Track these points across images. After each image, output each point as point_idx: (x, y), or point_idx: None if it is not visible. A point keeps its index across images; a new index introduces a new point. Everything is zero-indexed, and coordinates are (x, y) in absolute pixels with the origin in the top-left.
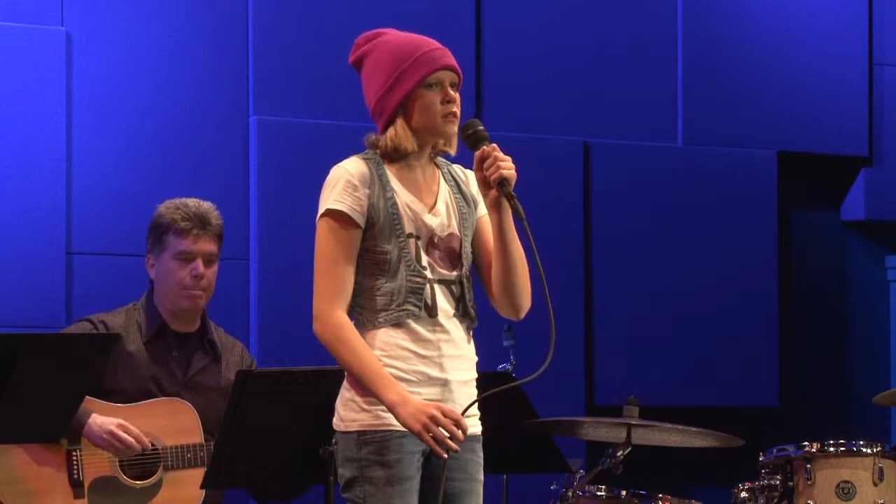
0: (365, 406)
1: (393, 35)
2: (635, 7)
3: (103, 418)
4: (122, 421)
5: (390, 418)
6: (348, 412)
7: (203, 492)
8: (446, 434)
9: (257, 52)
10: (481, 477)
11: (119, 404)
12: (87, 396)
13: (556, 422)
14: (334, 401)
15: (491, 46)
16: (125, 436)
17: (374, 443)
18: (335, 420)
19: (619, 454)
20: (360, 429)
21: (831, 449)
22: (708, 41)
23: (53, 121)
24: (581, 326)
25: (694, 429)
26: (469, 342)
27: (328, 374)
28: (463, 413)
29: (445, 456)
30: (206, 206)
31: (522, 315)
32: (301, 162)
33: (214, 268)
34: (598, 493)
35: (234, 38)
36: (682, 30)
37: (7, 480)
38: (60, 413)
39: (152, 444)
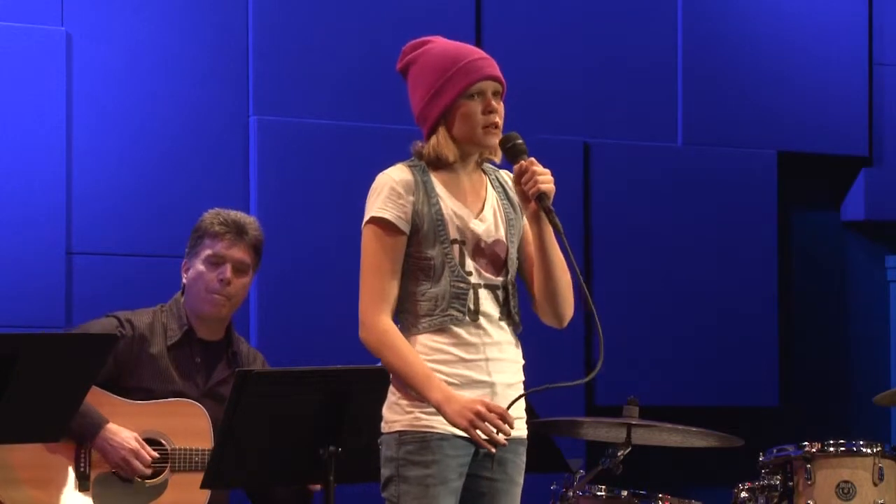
0: (408, 408)
1: (439, 43)
2: (635, 7)
3: (120, 435)
4: (136, 447)
5: (431, 420)
6: (392, 414)
7: (207, 496)
8: (493, 429)
9: (257, 52)
10: (520, 480)
11: (134, 401)
12: (102, 390)
13: (556, 422)
14: (335, 401)
15: (491, 46)
16: (136, 464)
17: (413, 443)
18: (382, 424)
19: (619, 454)
20: (401, 429)
21: (831, 449)
22: (708, 41)
23: (53, 121)
24: (581, 326)
25: (694, 429)
26: (515, 345)
27: (329, 374)
28: (508, 408)
29: (494, 450)
30: (249, 218)
31: (565, 323)
32: (301, 162)
33: (245, 280)
34: (598, 493)
35: (234, 38)
36: (682, 30)
37: (12, 470)
38: (61, 413)
39: (161, 444)
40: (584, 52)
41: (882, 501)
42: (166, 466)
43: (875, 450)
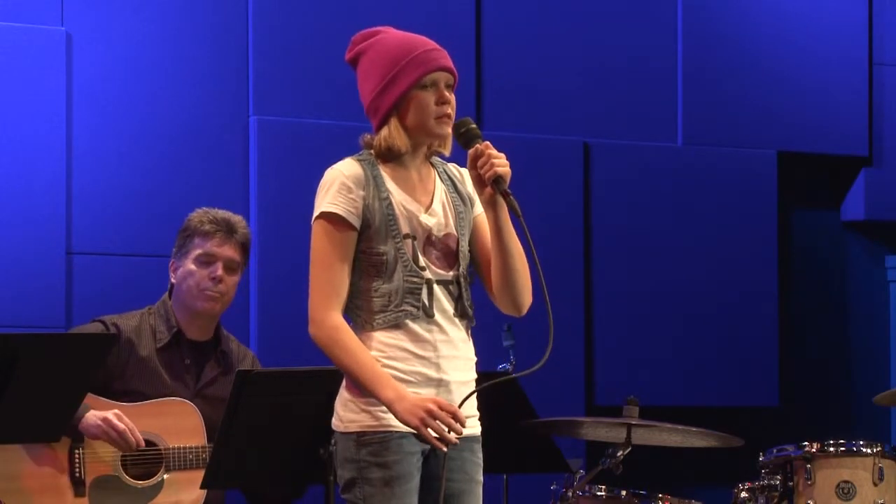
0: (364, 407)
1: (390, 34)
2: (635, 7)
3: (95, 414)
4: (117, 410)
5: (389, 419)
6: (347, 413)
7: (204, 494)
8: (444, 427)
9: (257, 52)
10: (480, 478)
11: (124, 403)
12: (93, 394)
13: (556, 422)
14: (334, 401)
15: (491, 46)
16: (118, 423)
17: (374, 444)
18: (334, 421)
19: (619, 454)
20: (360, 430)
21: (831, 449)
22: (708, 41)
23: (53, 121)
24: (581, 326)
25: (694, 429)
26: (468, 342)
27: (328, 374)
28: (459, 406)
29: (445, 449)
30: (237, 217)
31: (524, 311)
32: (301, 162)
33: (235, 278)
34: (598, 493)
35: (234, 38)
36: (681, 30)
37: (7, 477)
38: (60, 413)
39: (155, 445)
40: (584, 52)
41: (882, 501)
42: (161, 467)
43: (875, 450)
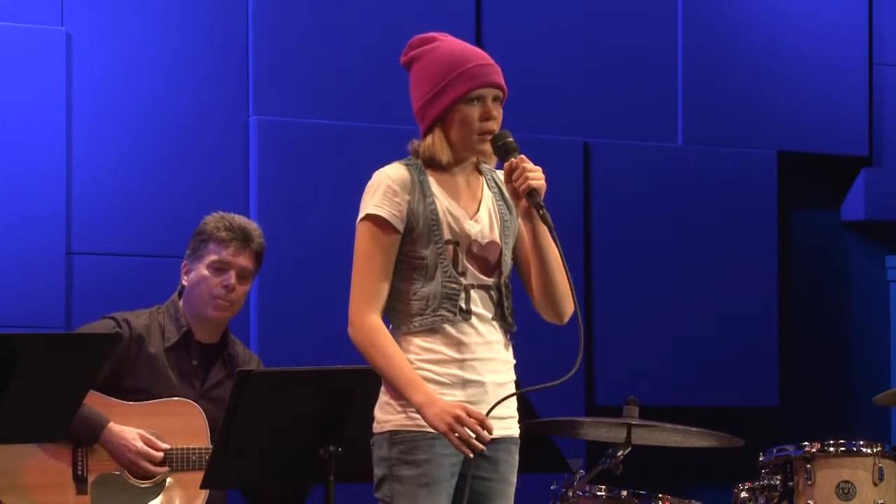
0: (399, 408)
1: (446, 42)
2: (635, 7)
3: (124, 436)
4: (142, 448)
5: (422, 420)
6: (383, 414)
7: (205, 495)
8: (471, 434)
9: (257, 52)
10: (514, 479)
11: (130, 402)
12: (99, 393)
13: (556, 422)
14: (334, 401)
15: (491, 47)
16: (146, 465)
17: (405, 443)
18: (374, 424)
19: (619, 454)
20: (393, 429)
21: (831, 449)
22: (708, 41)
23: (53, 121)
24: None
25: (694, 429)
26: (507, 347)
27: (328, 374)
28: (488, 413)
29: (472, 456)
30: (252, 224)
31: (566, 319)
32: (301, 162)
33: (247, 286)
34: (598, 493)
35: (234, 38)
36: (682, 30)
37: (10, 474)
38: (60, 413)
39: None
40: (584, 52)
41: (882, 501)
42: (164, 467)
43: (875, 450)
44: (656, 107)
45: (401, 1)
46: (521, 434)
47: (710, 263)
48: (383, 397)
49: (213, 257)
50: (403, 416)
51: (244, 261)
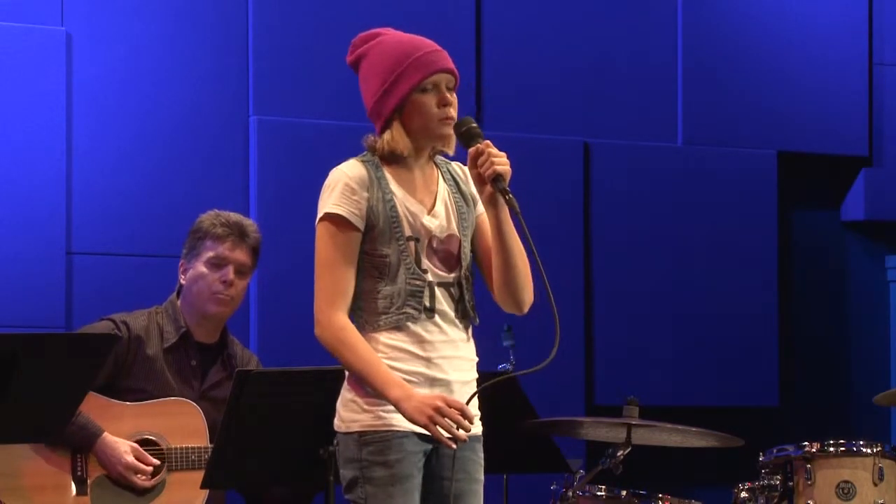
0: (366, 407)
1: (390, 36)
2: (635, 7)
3: (116, 449)
4: (132, 462)
5: (391, 419)
6: (349, 413)
7: (205, 494)
8: (453, 424)
9: (257, 52)
10: (481, 477)
11: (128, 403)
12: (97, 393)
13: (556, 422)
14: (334, 401)
15: (491, 46)
16: (135, 478)
17: (375, 443)
18: (336, 421)
19: (619, 454)
20: (361, 429)
21: (831, 449)
22: (708, 41)
23: (53, 121)
24: (581, 326)
25: (694, 429)
26: (469, 342)
27: (328, 374)
28: (467, 402)
29: (454, 447)
30: (248, 220)
31: (526, 309)
32: (301, 162)
33: (245, 282)
34: (598, 493)
35: (234, 38)
36: (682, 30)
37: (9, 475)
38: (60, 413)
39: (157, 445)
40: (585, 52)
41: (882, 501)
42: (163, 466)
43: (875, 450)
44: (656, 107)
45: (401, 1)
46: (521, 434)
47: (710, 263)
48: (347, 394)
49: (210, 253)
50: (371, 415)
51: (241, 255)
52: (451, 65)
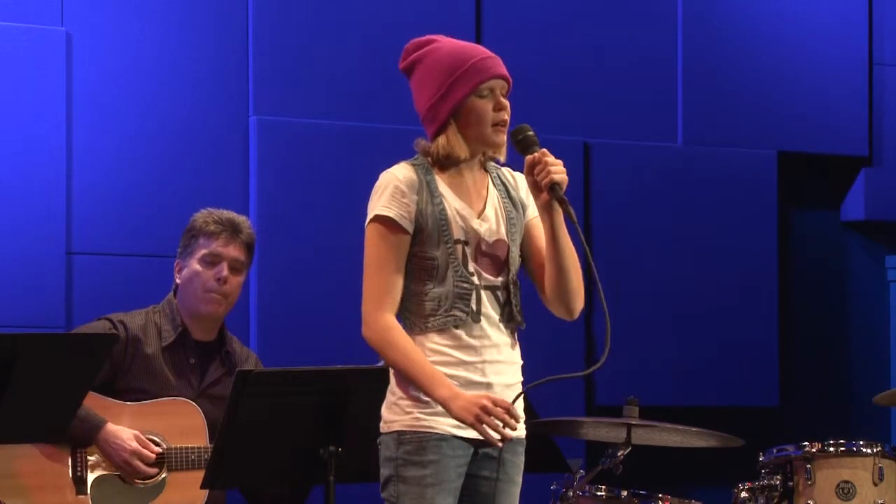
0: (407, 409)
1: (445, 42)
2: (635, 7)
3: (120, 436)
4: (136, 447)
5: (431, 420)
6: (391, 414)
7: (205, 494)
8: (499, 423)
9: (257, 52)
10: (520, 480)
11: (127, 402)
12: (96, 393)
13: (556, 422)
14: (334, 401)
15: (491, 46)
16: (139, 464)
17: (412, 443)
18: (381, 423)
19: (619, 454)
20: (400, 429)
21: (831, 449)
22: (708, 41)
23: (53, 121)
24: (582, 323)
25: (694, 429)
26: (514, 347)
27: (328, 374)
28: (513, 402)
29: (501, 445)
30: (241, 217)
31: (576, 315)
32: (301, 162)
33: (240, 278)
34: (598, 493)
35: (234, 38)
36: (682, 30)
37: (9, 475)
38: (60, 413)
39: (157, 444)
40: (585, 52)
41: (882, 501)
42: (163, 466)
43: (875, 450)
44: (656, 107)
45: (401, 1)
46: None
47: (710, 263)
48: (391, 397)
49: (204, 251)
50: (411, 416)
51: (235, 252)
52: (506, 71)
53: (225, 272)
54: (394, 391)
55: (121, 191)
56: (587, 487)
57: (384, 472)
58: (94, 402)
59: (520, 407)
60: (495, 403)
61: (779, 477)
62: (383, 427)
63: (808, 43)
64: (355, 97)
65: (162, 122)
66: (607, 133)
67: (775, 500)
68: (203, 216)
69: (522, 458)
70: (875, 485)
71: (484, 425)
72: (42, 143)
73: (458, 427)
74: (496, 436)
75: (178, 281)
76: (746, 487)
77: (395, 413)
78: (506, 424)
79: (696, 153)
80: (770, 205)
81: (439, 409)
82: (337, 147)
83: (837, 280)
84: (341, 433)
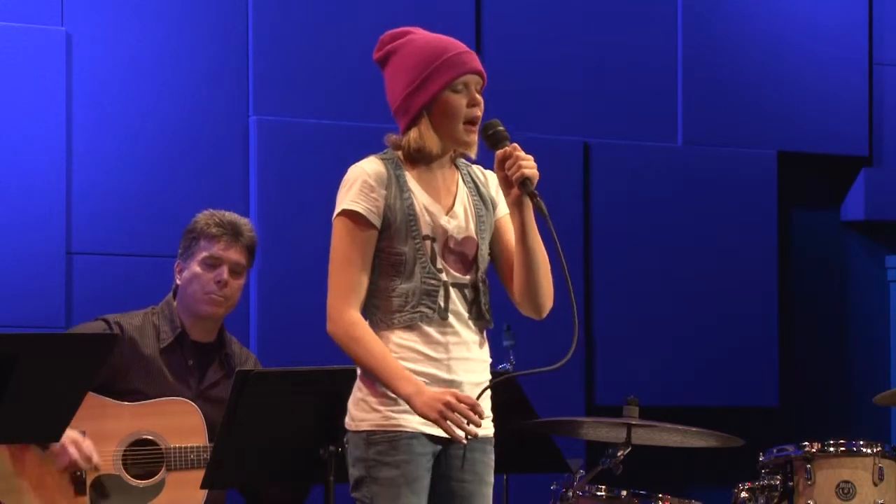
0: (376, 406)
1: (420, 35)
2: (635, 7)
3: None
4: (77, 436)
5: (400, 419)
6: (359, 412)
7: (204, 493)
8: (463, 419)
9: (257, 52)
10: (491, 479)
11: (125, 402)
12: (95, 394)
13: (556, 422)
14: (334, 401)
15: (491, 46)
16: (73, 451)
17: (383, 443)
18: (347, 419)
19: (619, 454)
20: (370, 428)
21: (831, 449)
22: (708, 41)
23: (53, 121)
24: (581, 326)
25: (694, 429)
26: (482, 345)
27: (328, 374)
28: (478, 397)
29: (465, 441)
30: (243, 219)
31: (545, 314)
32: (301, 162)
33: (240, 281)
34: (598, 493)
35: (234, 38)
36: (682, 30)
37: (7, 475)
38: (60, 413)
39: (156, 444)
40: (585, 52)
41: (882, 501)
42: (162, 466)
43: (875, 450)
44: (656, 107)
45: (401, 1)
46: (521, 434)
47: (710, 263)
48: (358, 393)
49: (205, 253)
50: (379, 415)
51: (235, 255)
52: (481, 67)
53: (225, 275)
54: (360, 388)
55: (121, 191)
56: (587, 487)
57: (355, 472)
58: (93, 403)
59: (487, 406)
60: (459, 400)
61: (779, 477)
62: (350, 425)
63: (808, 43)
64: (355, 97)
65: (162, 122)
66: (607, 133)
67: (775, 500)
68: (205, 217)
69: (492, 458)
70: (875, 485)
71: (448, 422)
72: (42, 143)
73: (426, 424)
74: (460, 433)
75: (178, 282)
76: (746, 487)
77: (363, 411)
78: (470, 421)
79: (696, 153)
80: (770, 205)
81: (407, 406)
82: (337, 147)
83: (837, 280)
84: (341, 433)
